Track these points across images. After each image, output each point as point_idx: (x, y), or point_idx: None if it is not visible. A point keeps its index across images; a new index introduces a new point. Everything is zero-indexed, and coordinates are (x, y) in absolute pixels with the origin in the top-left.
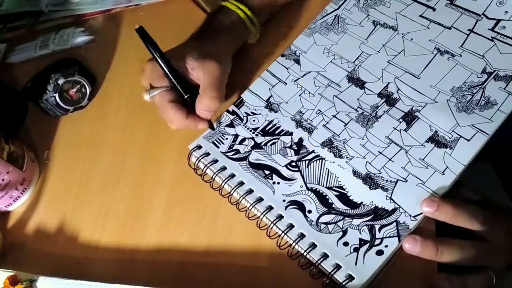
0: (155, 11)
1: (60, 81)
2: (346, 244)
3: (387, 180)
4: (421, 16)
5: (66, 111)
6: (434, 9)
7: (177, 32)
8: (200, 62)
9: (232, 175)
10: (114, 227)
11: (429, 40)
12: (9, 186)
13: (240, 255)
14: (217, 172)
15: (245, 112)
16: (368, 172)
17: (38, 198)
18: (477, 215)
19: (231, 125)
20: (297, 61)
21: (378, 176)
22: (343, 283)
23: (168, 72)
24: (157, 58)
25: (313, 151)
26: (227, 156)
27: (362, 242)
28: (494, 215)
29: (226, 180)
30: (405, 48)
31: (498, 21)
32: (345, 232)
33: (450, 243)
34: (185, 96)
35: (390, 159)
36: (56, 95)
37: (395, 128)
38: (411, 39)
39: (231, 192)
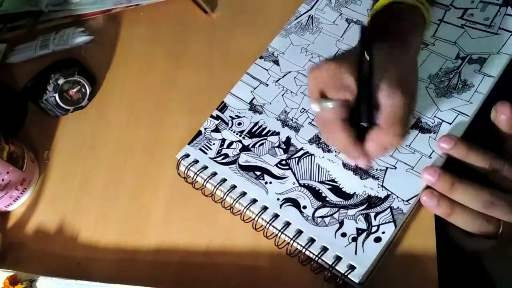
0: (155, 11)
1: (60, 81)
2: (344, 235)
3: (376, 169)
4: None
5: (66, 111)
6: None
7: (177, 32)
8: (393, 89)
9: (224, 180)
10: (114, 227)
11: None
12: (9, 186)
13: (240, 255)
14: (207, 179)
15: (230, 116)
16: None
17: (38, 198)
18: (491, 158)
19: (216, 130)
20: (276, 62)
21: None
22: (345, 273)
23: (365, 90)
24: (363, 66)
25: (301, 148)
26: (216, 161)
27: (360, 231)
28: None
29: (217, 186)
30: None
31: (466, 9)
32: (341, 224)
33: (467, 183)
34: (364, 124)
35: None
36: (56, 95)
37: None
38: None
39: (224, 197)
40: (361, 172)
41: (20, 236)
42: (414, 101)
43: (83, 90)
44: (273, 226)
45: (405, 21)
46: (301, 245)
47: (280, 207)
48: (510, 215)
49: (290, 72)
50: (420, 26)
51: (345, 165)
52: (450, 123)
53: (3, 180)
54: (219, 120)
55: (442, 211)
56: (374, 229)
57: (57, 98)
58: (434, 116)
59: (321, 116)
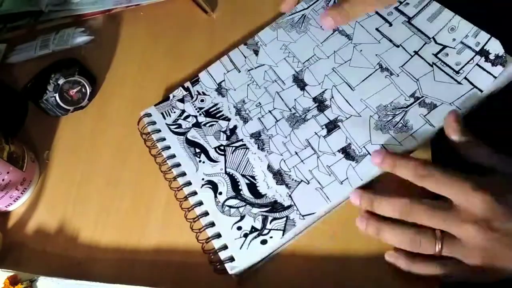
0: (155, 11)
1: (60, 81)
2: (239, 228)
3: (293, 179)
4: (377, 29)
5: (66, 111)
6: (390, 24)
7: (177, 32)
8: None
9: (168, 147)
10: (115, 227)
11: (376, 55)
12: (9, 186)
13: None
14: (156, 141)
15: (197, 91)
16: (280, 169)
17: (38, 198)
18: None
19: (182, 100)
20: (256, 52)
21: (287, 174)
22: (224, 261)
23: None
24: None
25: (241, 140)
26: (169, 128)
27: (253, 230)
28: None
29: (162, 150)
30: (352, 58)
31: (444, 47)
32: (242, 218)
33: (382, 196)
34: None
35: (302, 161)
36: (56, 95)
37: (316, 133)
38: (361, 50)
39: (162, 162)
40: (279, 178)
41: (20, 236)
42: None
43: (83, 90)
44: (189, 201)
45: None
46: (203, 225)
47: (201, 187)
48: (431, 219)
49: (263, 65)
50: None
51: (269, 167)
52: None
53: (3, 180)
54: (187, 92)
55: (370, 230)
56: (265, 231)
57: (57, 98)
58: (363, 147)
59: None
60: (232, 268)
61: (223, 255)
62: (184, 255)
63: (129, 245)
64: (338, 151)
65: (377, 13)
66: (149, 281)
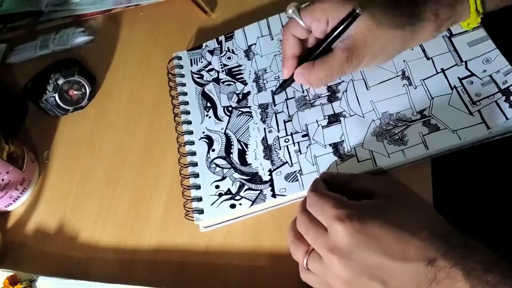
0: (155, 11)
1: (60, 81)
2: (217, 187)
3: (280, 159)
4: None
5: (66, 111)
6: None
7: (177, 32)
8: (345, 50)
9: (185, 93)
10: (114, 227)
11: (403, 61)
12: (9, 186)
13: (240, 255)
14: (177, 85)
15: (228, 47)
16: (272, 145)
17: (38, 198)
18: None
19: (211, 52)
20: None
21: (276, 152)
22: (193, 210)
23: (332, 34)
24: (344, 21)
25: (249, 107)
26: (192, 76)
27: (228, 192)
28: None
29: (178, 94)
30: None
31: (472, 75)
32: (223, 178)
33: (302, 206)
34: (311, 57)
35: (294, 143)
36: (56, 95)
37: (317, 121)
38: None
39: (174, 105)
40: (268, 152)
41: (20, 236)
42: (353, 67)
43: (83, 90)
44: (185, 148)
45: None
46: (189, 173)
47: (199, 139)
48: (306, 236)
49: None
50: (447, 7)
51: (263, 139)
52: (358, 161)
53: (3, 180)
54: (219, 46)
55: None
56: (237, 197)
57: (57, 98)
58: (354, 147)
59: (287, 23)
60: (198, 219)
61: (195, 205)
62: (184, 255)
63: (129, 245)
64: (330, 144)
65: None
66: (149, 281)
